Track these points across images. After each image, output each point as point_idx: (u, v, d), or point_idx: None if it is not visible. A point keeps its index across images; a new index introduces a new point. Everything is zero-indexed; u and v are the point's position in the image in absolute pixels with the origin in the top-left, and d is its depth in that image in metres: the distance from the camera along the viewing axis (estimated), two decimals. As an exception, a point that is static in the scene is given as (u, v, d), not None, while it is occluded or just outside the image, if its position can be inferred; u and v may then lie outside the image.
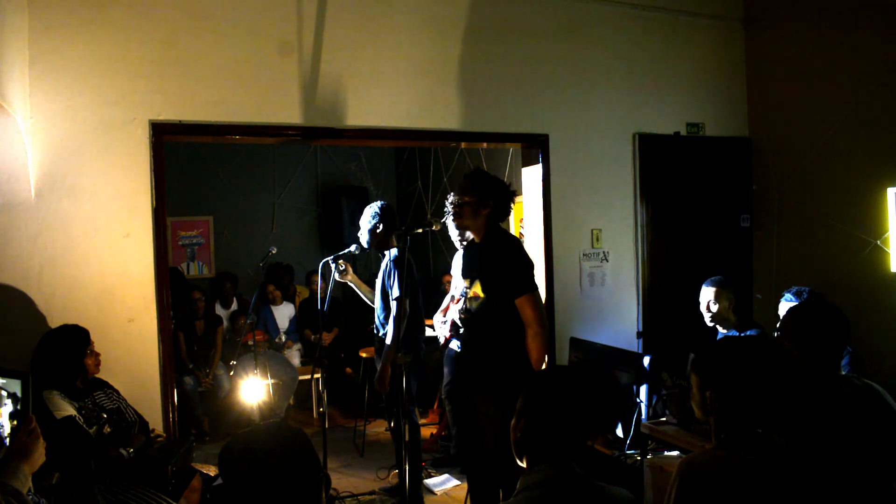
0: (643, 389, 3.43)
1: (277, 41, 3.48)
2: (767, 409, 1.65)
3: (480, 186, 3.13)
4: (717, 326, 3.56)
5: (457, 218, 3.17)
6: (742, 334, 3.42)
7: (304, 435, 1.46)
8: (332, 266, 3.92)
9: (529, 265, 3.14)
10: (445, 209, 3.23)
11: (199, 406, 5.52)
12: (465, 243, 3.40)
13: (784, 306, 3.25)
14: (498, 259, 3.10)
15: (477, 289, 3.14)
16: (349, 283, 4.01)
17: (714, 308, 3.49)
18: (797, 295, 3.22)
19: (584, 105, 4.21)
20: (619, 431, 3.45)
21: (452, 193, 3.20)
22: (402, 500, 3.73)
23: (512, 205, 3.25)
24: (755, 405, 1.65)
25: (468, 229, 3.22)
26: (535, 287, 3.11)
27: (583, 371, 1.59)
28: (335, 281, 4.05)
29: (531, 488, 1.51)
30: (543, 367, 3.10)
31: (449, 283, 3.83)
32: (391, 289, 3.73)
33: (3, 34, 2.70)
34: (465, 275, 3.26)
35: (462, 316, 3.20)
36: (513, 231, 5.48)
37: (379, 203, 3.91)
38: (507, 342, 3.07)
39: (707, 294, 3.52)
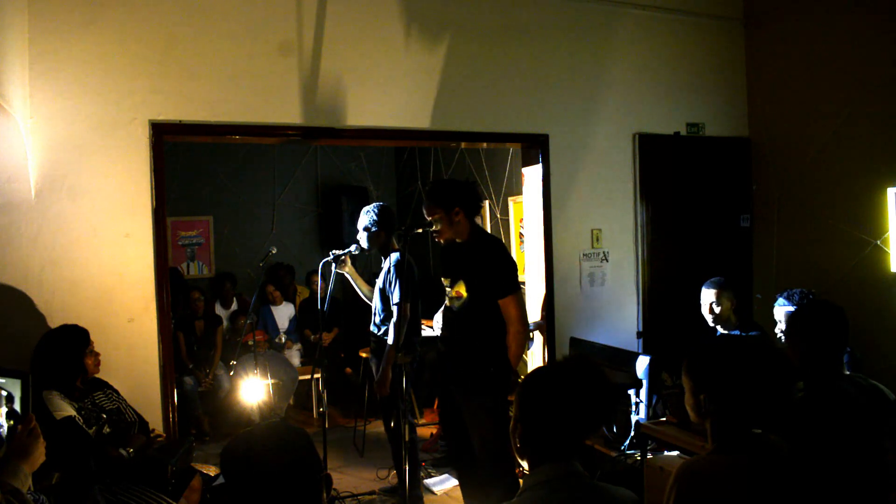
0: (643, 387, 3.43)
1: (277, 41, 3.48)
2: (762, 409, 1.64)
3: (440, 198, 3.19)
4: (718, 327, 3.56)
5: (438, 236, 3.24)
6: (744, 335, 3.42)
7: (306, 435, 1.45)
8: (333, 265, 3.92)
9: (513, 266, 3.20)
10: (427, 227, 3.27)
11: (199, 406, 5.52)
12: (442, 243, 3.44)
13: (778, 310, 3.24)
14: (483, 260, 3.16)
15: (460, 288, 3.19)
16: (346, 275, 4.01)
17: (717, 310, 3.48)
18: (789, 298, 3.22)
19: (584, 105, 4.21)
20: (619, 431, 3.45)
21: (425, 214, 3.24)
22: (401, 500, 3.73)
23: (477, 199, 3.28)
24: (750, 406, 1.64)
25: (454, 238, 3.25)
26: (519, 287, 3.18)
27: (571, 367, 1.57)
28: (335, 278, 4.04)
29: (534, 488, 1.50)
30: (525, 362, 3.14)
31: None
32: (392, 293, 3.72)
33: (3, 34, 2.70)
34: (446, 274, 3.29)
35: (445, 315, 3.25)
36: (513, 231, 5.49)
37: (375, 205, 3.90)
38: (488, 341, 3.11)
39: (709, 296, 3.52)
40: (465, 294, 3.18)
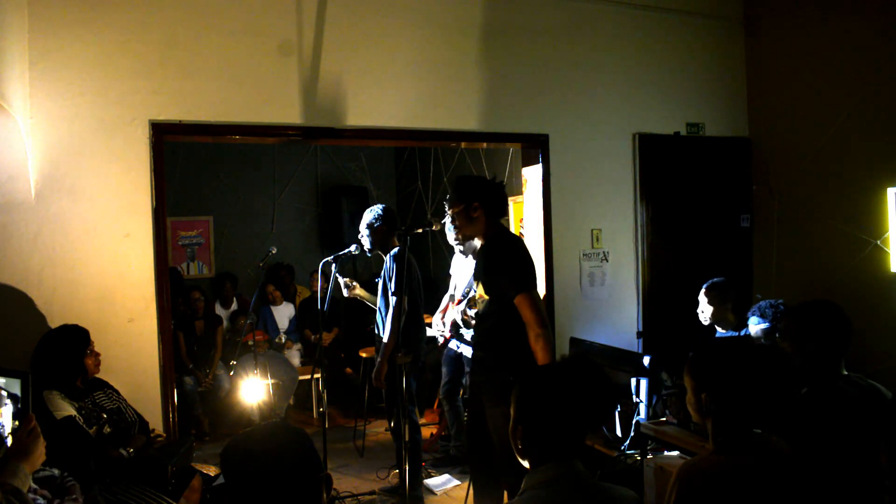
0: (643, 387, 3.43)
1: (277, 41, 3.48)
2: (764, 410, 1.65)
3: (461, 192, 3.13)
4: (716, 326, 3.57)
5: (457, 231, 3.18)
6: (739, 334, 3.42)
7: (306, 435, 1.45)
8: (335, 274, 3.93)
9: (526, 264, 3.08)
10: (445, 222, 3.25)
11: (199, 406, 5.51)
12: (461, 248, 3.43)
13: (753, 329, 3.19)
14: (495, 259, 3.08)
15: (481, 290, 3.14)
16: (358, 297, 4.05)
17: (709, 310, 3.50)
18: (762, 315, 3.17)
19: (584, 105, 4.21)
20: (619, 431, 3.45)
21: (447, 209, 3.21)
22: (402, 500, 3.73)
23: (502, 198, 3.21)
24: (751, 407, 1.64)
25: (473, 236, 3.21)
26: (533, 286, 3.05)
27: (570, 366, 1.57)
28: (335, 281, 4.06)
29: (536, 487, 1.50)
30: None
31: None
32: (391, 283, 3.75)
33: (3, 34, 2.70)
34: (474, 277, 3.28)
35: (467, 318, 3.22)
36: (513, 231, 5.49)
37: (380, 206, 3.94)
38: (508, 343, 3.05)
39: (702, 297, 3.55)
40: (485, 296, 3.10)
